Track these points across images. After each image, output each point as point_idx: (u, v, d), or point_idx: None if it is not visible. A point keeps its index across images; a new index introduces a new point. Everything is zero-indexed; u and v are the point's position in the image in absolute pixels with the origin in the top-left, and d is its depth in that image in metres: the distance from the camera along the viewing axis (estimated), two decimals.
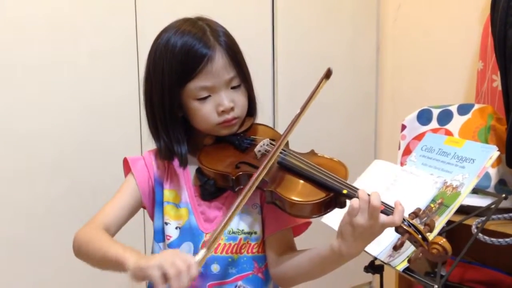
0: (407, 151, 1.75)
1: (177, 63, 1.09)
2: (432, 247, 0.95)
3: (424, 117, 1.78)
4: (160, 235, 1.18)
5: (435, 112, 1.76)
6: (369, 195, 0.98)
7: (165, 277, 0.91)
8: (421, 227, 0.97)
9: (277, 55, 2.23)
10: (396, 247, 0.97)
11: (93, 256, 1.06)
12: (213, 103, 1.12)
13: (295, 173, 1.08)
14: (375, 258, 1.26)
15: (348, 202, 1.02)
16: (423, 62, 2.34)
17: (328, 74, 1.09)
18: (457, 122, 1.69)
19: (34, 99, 1.77)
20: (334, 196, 1.03)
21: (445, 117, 1.73)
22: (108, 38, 1.86)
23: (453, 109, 1.73)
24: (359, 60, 2.45)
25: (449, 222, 1.19)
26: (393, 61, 2.49)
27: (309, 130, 2.07)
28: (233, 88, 1.14)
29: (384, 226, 0.97)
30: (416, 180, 1.33)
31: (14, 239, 1.77)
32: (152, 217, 1.22)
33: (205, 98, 1.12)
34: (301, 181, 1.07)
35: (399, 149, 1.82)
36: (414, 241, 0.97)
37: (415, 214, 1.01)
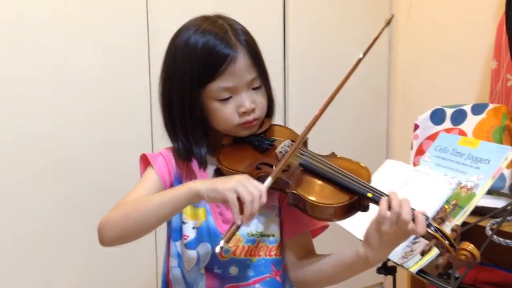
0: (420, 151, 1.73)
1: (199, 64, 1.07)
2: (461, 253, 0.94)
3: (437, 116, 1.76)
4: (177, 234, 1.17)
5: (449, 112, 1.75)
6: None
7: (240, 201, 0.94)
8: (449, 233, 0.96)
9: (288, 53, 2.22)
10: (424, 253, 0.96)
11: (147, 215, 1.02)
12: (234, 104, 1.10)
13: (318, 176, 1.07)
14: (388, 259, 1.25)
15: (371, 205, 1.02)
16: (436, 61, 2.31)
17: (389, 20, 1.12)
18: (471, 122, 1.67)
19: (45, 98, 1.77)
20: (358, 199, 1.02)
21: (459, 116, 1.71)
22: (119, 36, 1.86)
23: (467, 108, 1.71)
24: (371, 59, 2.40)
25: (463, 224, 1.18)
26: (405, 60, 2.47)
27: (320, 129, 2.05)
28: (254, 89, 1.12)
29: (409, 234, 0.96)
30: (429, 180, 1.32)
31: (28, 238, 1.77)
32: None
33: (226, 99, 1.10)
34: (324, 184, 1.05)
35: (411, 149, 1.80)
36: (441, 247, 0.95)
37: (441, 219, 0.99)
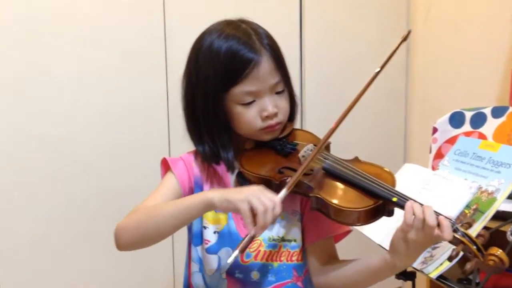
0: (439, 155, 1.71)
1: (222, 68, 1.08)
2: (489, 259, 0.93)
3: (456, 119, 1.74)
4: (198, 239, 1.16)
5: (468, 115, 1.72)
6: (421, 205, 0.96)
7: (253, 212, 0.94)
8: (476, 238, 0.95)
9: (304, 56, 2.21)
10: (452, 258, 0.95)
11: (160, 222, 1.03)
12: (257, 108, 1.10)
13: (341, 180, 1.06)
14: None
15: (396, 210, 1.01)
16: (454, 63, 2.29)
17: (406, 36, 1.11)
18: (491, 125, 1.65)
19: (63, 102, 1.78)
20: (383, 203, 1.01)
21: (479, 120, 1.69)
22: (136, 39, 1.87)
23: (487, 111, 1.69)
24: (389, 61, 2.40)
25: (484, 229, 1.16)
26: (424, 62, 2.45)
27: (338, 132, 2.04)
28: (277, 93, 1.12)
29: (436, 239, 0.96)
30: (449, 185, 1.30)
31: (44, 240, 1.79)
32: None
33: (249, 103, 1.10)
34: (348, 188, 1.05)
35: (430, 152, 1.78)
36: (468, 252, 0.94)
37: (469, 224, 0.98)
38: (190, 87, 1.15)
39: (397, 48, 1.09)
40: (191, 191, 1.17)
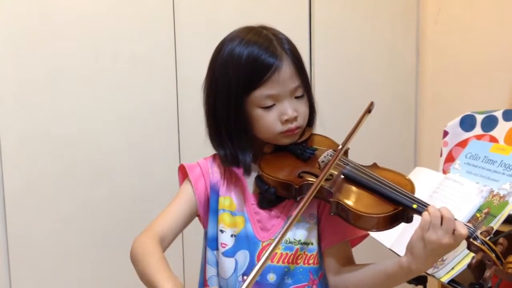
0: (450, 158, 1.70)
1: (244, 73, 1.09)
2: (508, 267, 0.93)
3: (467, 123, 1.73)
4: (214, 243, 1.17)
5: (479, 118, 1.71)
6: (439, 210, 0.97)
7: None
8: (495, 246, 0.95)
9: (314, 60, 2.21)
10: (471, 266, 0.94)
11: (139, 270, 1.07)
12: (277, 112, 1.11)
13: (361, 185, 1.07)
14: None
15: (415, 217, 1.01)
16: (465, 66, 2.28)
17: (370, 109, 1.12)
18: (502, 128, 1.63)
19: (75, 105, 1.79)
20: (403, 210, 1.02)
21: (490, 123, 1.68)
22: (147, 45, 1.87)
23: (498, 114, 1.68)
24: (398, 64, 2.40)
25: (496, 233, 1.15)
26: (434, 65, 2.43)
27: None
28: (296, 97, 1.13)
29: (457, 240, 0.96)
30: (460, 188, 1.30)
31: (56, 243, 1.80)
32: (204, 225, 1.21)
33: (269, 107, 1.11)
34: (368, 194, 1.05)
35: (441, 156, 1.77)
36: (487, 260, 0.94)
37: (488, 232, 0.98)
38: (211, 92, 1.16)
39: (361, 120, 1.11)
40: (207, 198, 1.19)
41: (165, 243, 1.13)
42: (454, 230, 0.94)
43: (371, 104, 1.12)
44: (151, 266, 1.03)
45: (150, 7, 1.87)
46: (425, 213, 0.97)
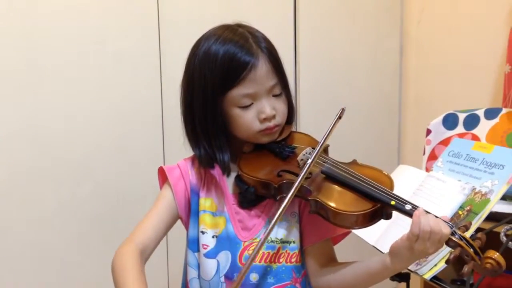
0: (433, 156, 1.72)
1: (220, 71, 1.08)
2: (486, 262, 0.93)
3: (449, 121, 1.75)
4: (194, 245, 1.17)
5: (461, 117, 1.73)
6: (428, 212, 0.97)
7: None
8: (473, 241, 0.95)
9: (299, 58, 2.22)
10: (449, 261, 0.95)
11: (116, 285, 1.07)
12: (255, 111, 1.11)
13: (340, 183, 1.07)
14: None
15: (394, 213, 1.02)
16: (448, 65, 2.30)
17: (341, 115, 1.11)
18: (484, 126, 1.65)
19: (59, 102, 1.77)
20: (381, 207, 1.02)
21: (472, 121, 1.70)
22: (131, 42, 1.86)
23: (480, 113, 1.70)
24: (382, 63, 2.42)
25: (477, 230, 1.16)
26: (417, 64, 2.45)
27: (332, 133, 2.06)
28: (274, 96, 1.12)
29: (439, 247, 0.97)
30: (443, 186, 1.31)
31: (39, 242, 1.77)
32: (186, 227, 1.20)
33: (247, 106, 1.10)
34: (347, 191, 1.05)
35: (423, 154, 1.79)
36: (466, 255, 0.94)
37: (466, 227, 0.99)
38: (188, 91, 1.15)
39: (334, 125, 1.10)
40: (188, 201, 1.18)
41: (146, 254, 1.12)
42: (440, 232, 0.94)
43: (342, 110, 1.11)
44: (128, 284, 1.03)
45: (134, 4, 1.86)
46: (414, 227, 0.96)
